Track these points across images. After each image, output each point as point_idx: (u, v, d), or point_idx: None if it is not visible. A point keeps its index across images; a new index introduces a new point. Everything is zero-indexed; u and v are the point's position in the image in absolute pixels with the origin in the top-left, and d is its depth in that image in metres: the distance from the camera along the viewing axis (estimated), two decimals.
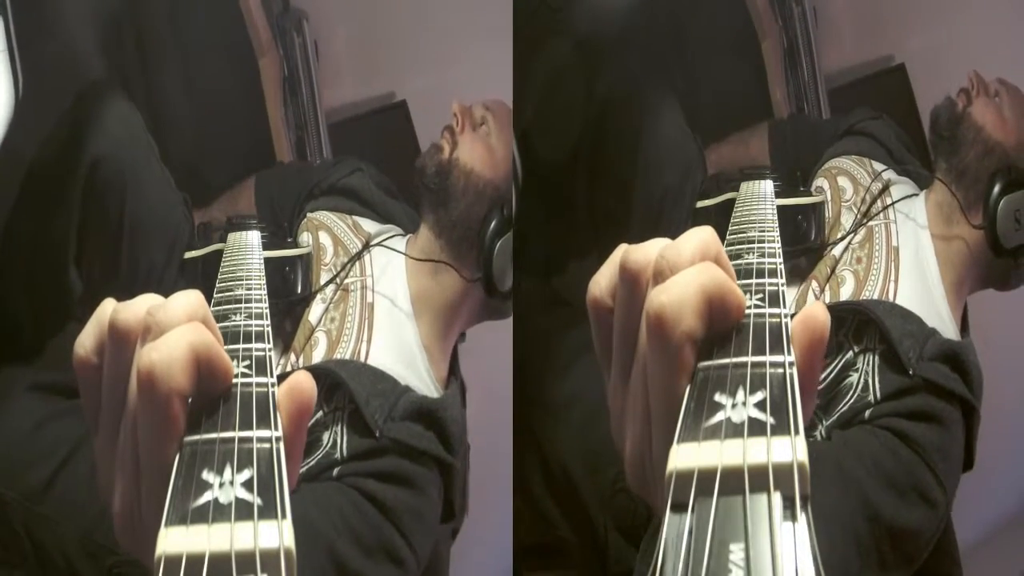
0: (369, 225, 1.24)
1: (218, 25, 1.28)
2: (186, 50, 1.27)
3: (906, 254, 1.19)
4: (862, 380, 1.10)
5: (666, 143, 1.31)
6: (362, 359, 1.14)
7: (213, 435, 0.47)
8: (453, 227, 1.19)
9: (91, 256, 1.19)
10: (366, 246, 1.21)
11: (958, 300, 1.19)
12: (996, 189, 1.18)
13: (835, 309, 1.13)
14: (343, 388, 1.10)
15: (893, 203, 1.23)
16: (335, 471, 1.07)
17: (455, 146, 1.20)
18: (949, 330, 1.15)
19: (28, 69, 1.18)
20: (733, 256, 0.60)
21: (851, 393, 1.09)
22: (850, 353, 1.11)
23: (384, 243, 1.22)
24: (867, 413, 1.09)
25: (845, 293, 1.17)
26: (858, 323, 1.13)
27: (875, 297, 1.16)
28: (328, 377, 1.10)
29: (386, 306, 1.18)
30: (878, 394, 1.09)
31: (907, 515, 1.06)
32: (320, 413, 1.09)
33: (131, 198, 1.19)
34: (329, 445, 1.08)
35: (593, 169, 1.33)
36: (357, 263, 1.21)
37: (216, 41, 1.28)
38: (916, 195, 1.23)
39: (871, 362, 1.11)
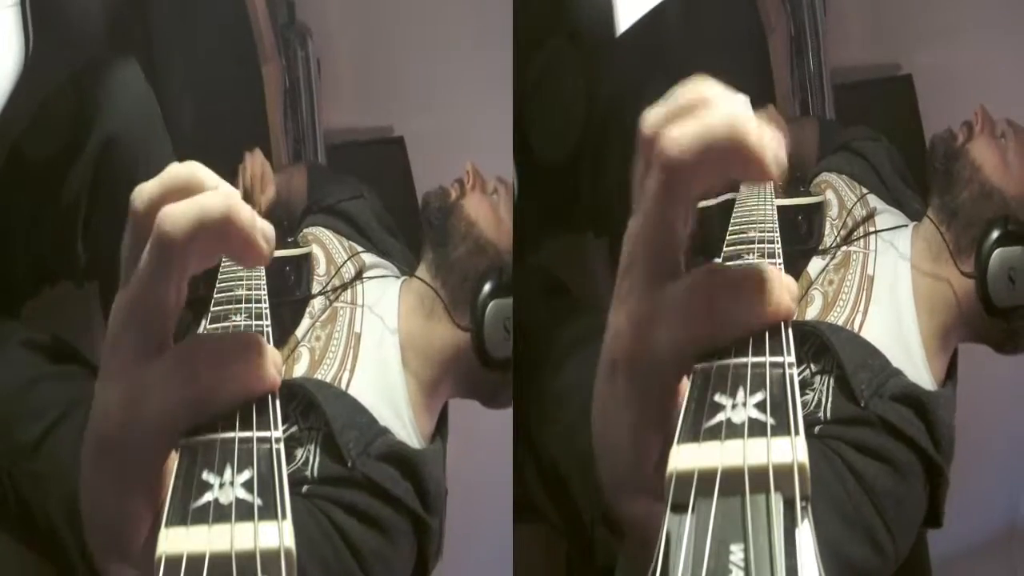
0: (365, 255, 1.22)
1: (223, 25, 1.28)
2: (191, 48, 1.27)
3: (880, 288, 1.15)
4: (816, 399, 1.07)
5: None
6: (343, 387, 1.12)
7: (213, 436, 0.47)
8: (450, 270, 1.16)
9: (98, 230, 1.18)
10: (359, 274, 1.20)
11: (940, 347, 1.13)
12: (990, 239, 1.10)
13: (798, 326, 1.10)
14: (319, 409, 1.08)
15: (876, 232, 1.19)
16: (304, 488, 1.05)
17: (462, 195, 1.19)
18: (922, 376, 1.11)
19: (39, 23, 1.18)
20: (733, 256, 0.60)
21: (804, 411, 1.06)
22: (807, 372, 1.09)
23: (378, 278, 1.20)
24: (816, 429, 1.06)
25: (811, 314, 1.15)
26: (819, 344, 1.10)
27: (840, 323, 1.12)
28: (305, 395, 1.08)
29: (374, 341, 1.16)
30: (829, 415, 1.06)
31: (852, 549, 1.02)
32: (295, 428, 1.08)
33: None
34: (301, 462, 1.06)
35: (594, 170, 1.33)
36: (349, 289, 1.19)
37: (220, 41, 1.28)
38: (904, 227, 1.19)
39: (827, 384, 1.08)
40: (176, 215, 0.47)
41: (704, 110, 0.48)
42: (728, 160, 0.47)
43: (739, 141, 0.47)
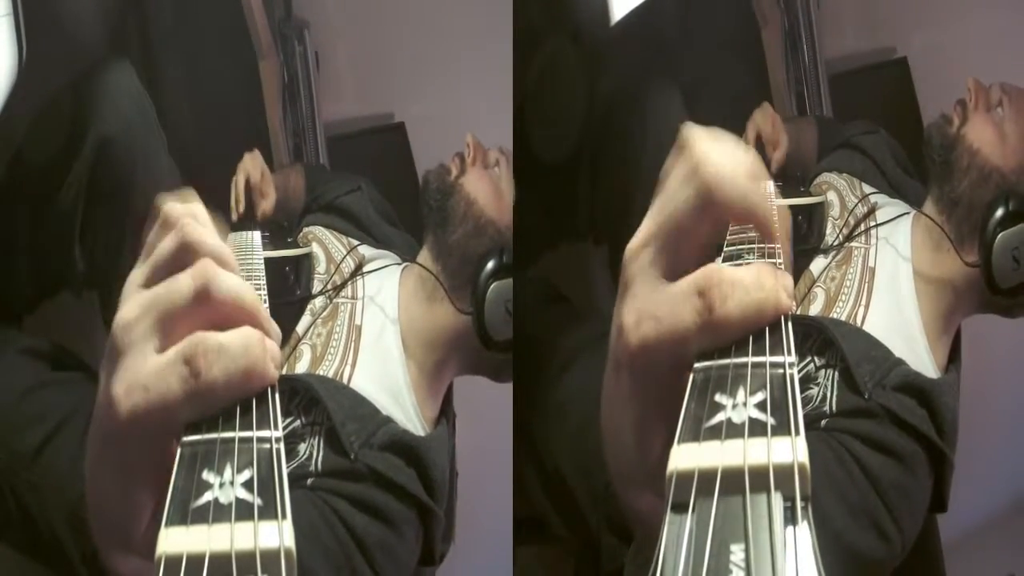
0: (364, 248, 1.22)
1: (220, 23, 1.28)
2: (188, 46, 1.27)
3: (882, 279, 1.15)
4: (821, 394, 1.07)
5: (668, 140, 1.29)
6: (344, 381, 1.12)
7: (213, 435, 0.47)
8: (450, 253, 1.16)
9: (95, 235, 1.18)
10: (358, 269, 1.19)
11: (943, 329, 1.13)
12: (992, 222, 1.09)
13: (800, 322, 1.10)
14: (321, 404, 1.08)
15: (876, 225, 1.19)
16: (309, 481, 1.05)
17: (462, 173, 1.18)
18: (925, 364, 1.11)
19: (32, 31, 1.18)
20: (733, 256, 0.60)
21: (809, 405, 1.06)
22: (811, 366, 1.09)
23: (377, 271, 1.20)
24: (822, 423, 1.06)
25: (814, 311, 1.14)
26: (822, 339, 1.10)
27: (843, 318, 1.13)
28: (307, 391, 1.08)
29: (375, 332, 1.16)
30: (834, 408, 1.06)
31: (859, 540, 1.02)
32: (298, 423, 1.08)
33: (139, 187, 1.18)
34: (304, 456, 1.06)
35: (594, 168, 1.33)
36: (349, 284, 1.19)
37: (217, 38, 1.28)
38: (906, 214, 1.19)
39: (831, 378, 1.08)
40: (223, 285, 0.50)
41: (747, 165, 0.51)
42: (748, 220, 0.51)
43: (766, 216, 0.51)
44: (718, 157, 0.50)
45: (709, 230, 0.51)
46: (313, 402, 1.08)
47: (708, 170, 0.50)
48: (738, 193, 0.50)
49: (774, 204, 0.52)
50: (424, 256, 1.19)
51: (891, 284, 1.15)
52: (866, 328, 1.12)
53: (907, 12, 1.31)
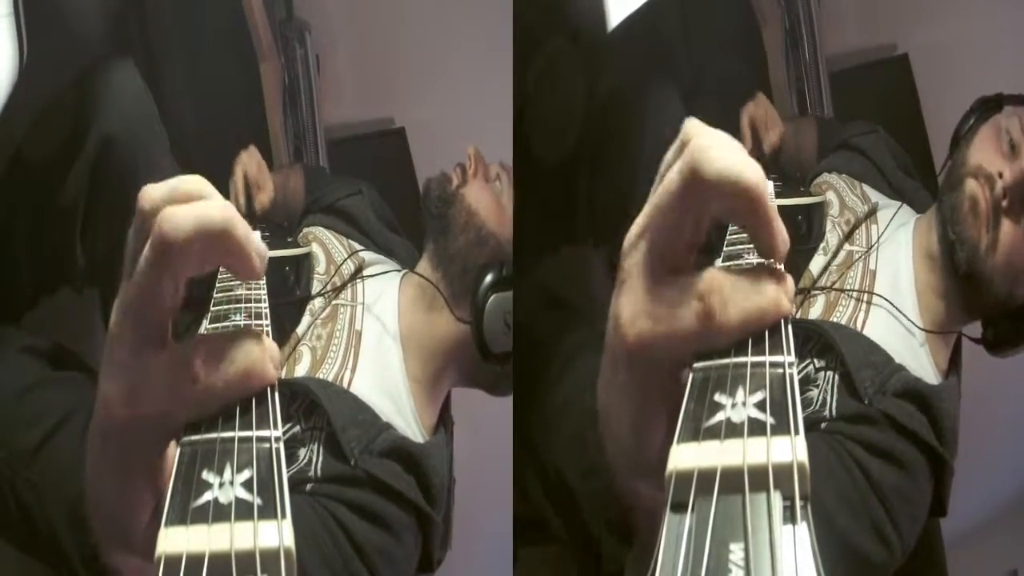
0: (365, 252, 1.22)
1: (221, 23, 1.28)
2: (189, 47, 1.27)
3: (883, 282, 1.15)
4: (821, 397, 1.07)
5: (668, 140, 1.29)
6: (344, 385, 1.12)
7: (213, 435, 0.47)
8: (451, 261, 1.16)
9: (96, 233, 1.18)
10: (358, 271, 1.19)
11: (943, 337, 1.13)
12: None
13: (800, 326, 1.10)
14: (321, 409, 1.08)
15: (879, 235, 1.19)
16: (308, 487, 1.05)
17: (464, 183, 1.18)
18: (926, 370, 1.11)
19: (33, 31, 1.19)
20: (733, 256, 0.60)
21: (809, 408, 1.06)
22: (811, 368, 1.09)
23: (377, 275, 1.20)
24: (823, 426, 1.06)
25: (814, 313, 1.14)
26: (822, 343, 1.10)
27: (843, 322, 1.13)
28: (306, 395, 1.08)
29: (375, 337, 1.16)
30: (834, 413, 1.06)
31: (857, 539, 1.02)
32: (297, 428, 1.08)
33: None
34: (304, 462, 1.06)
35: (593, 169, 1.33)
36: (349, 287, 1.19)
37: (218, 40, 1.28)
38: (905, 224, 1.19)
39: (831, 381, 1.08)
40: (176, 218, 0.48)
41: (743, 152, 0.49)
42: (740, 203, 0.48)
43: (761, 195, 0.48)
44: (709, 137, 0.48)
45: (696, 216, 0.49)
46: (313, 406, 1.08)
47: (695, 145, 0.48)
48: (724, 167, 0.47)
49: (772, 200, 0.50)
50: (424, 263, 1.19)
51: (893, 287, 1.15)
52: (867, 332, 1.12)
53: (908, 9, 1.31)
